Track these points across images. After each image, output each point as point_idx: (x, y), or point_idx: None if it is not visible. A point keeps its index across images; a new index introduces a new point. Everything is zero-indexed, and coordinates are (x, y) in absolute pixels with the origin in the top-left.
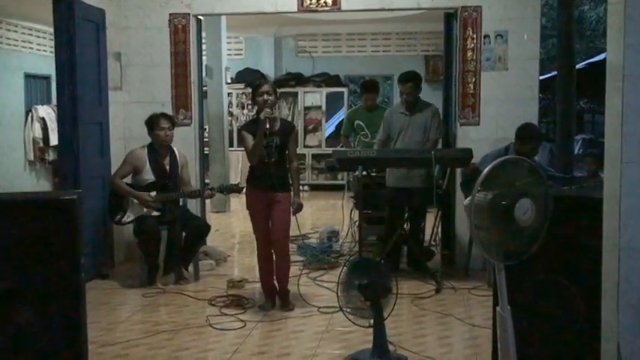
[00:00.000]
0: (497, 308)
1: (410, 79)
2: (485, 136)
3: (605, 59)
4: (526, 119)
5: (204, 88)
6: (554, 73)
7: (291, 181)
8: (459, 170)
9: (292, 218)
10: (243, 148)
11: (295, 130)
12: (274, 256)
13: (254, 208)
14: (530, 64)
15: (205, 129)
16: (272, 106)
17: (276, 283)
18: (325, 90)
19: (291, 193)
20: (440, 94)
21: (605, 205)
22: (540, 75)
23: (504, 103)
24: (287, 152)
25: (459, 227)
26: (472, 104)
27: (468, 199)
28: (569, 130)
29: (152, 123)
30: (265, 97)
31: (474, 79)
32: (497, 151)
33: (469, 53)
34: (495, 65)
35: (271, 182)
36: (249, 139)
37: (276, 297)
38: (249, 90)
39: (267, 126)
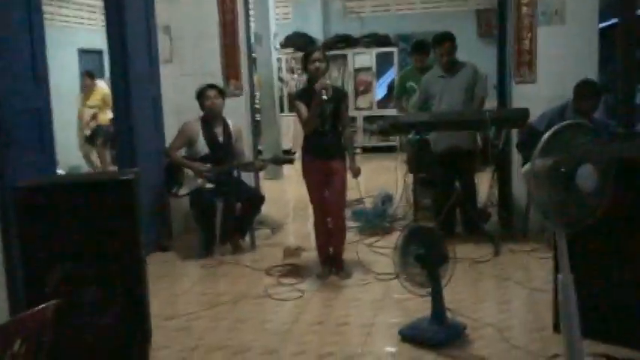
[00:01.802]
0: (559, 275)
1: (445, 40)
2: (542, 94)
3: None
4: (585, 75)
5: (253, 55)
6: (614, 20)
7: (345, 148)
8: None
9: (352, 182)
10: (294, 114)
11: (347, 96)
12: (330, 224)
13: (311, 177)
14: (589, 17)
15: (256, 96)
16: (324, 73)
17: (331, 251)
18: (375, 50)
19: (347, 160)
20: (492, 50)
21: None
22: (599, 23)
23: (562, 59)
24: (340, 119)
25: (516, 188)
26: (528, 61)
27: (527, 165)
28: (631, 79)
29: (199, 94)
30: (317, 64)
31: (529, 35)
32: (555, 109)
33: (524, 8)
34: (552, 19)
35: (327, 150)
36: (303, 109)
37: (333, 265)
38: (299, 54)
39: (325, 97)
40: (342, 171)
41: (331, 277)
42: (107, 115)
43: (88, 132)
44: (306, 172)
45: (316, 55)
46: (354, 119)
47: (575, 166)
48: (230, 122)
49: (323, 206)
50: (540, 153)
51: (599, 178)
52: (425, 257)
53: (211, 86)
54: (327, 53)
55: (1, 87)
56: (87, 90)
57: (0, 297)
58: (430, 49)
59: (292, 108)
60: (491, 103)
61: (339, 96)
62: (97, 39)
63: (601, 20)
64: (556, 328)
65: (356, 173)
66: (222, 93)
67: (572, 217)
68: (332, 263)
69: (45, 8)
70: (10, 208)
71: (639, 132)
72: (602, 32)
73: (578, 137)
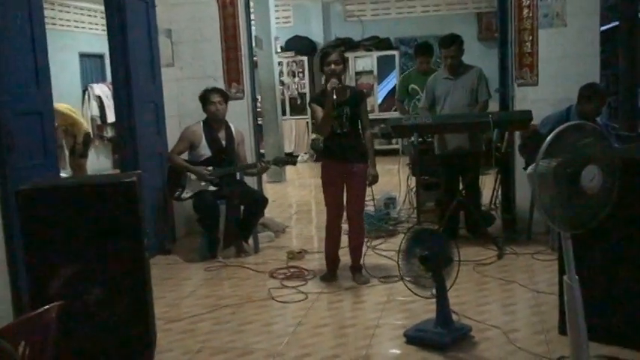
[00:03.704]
0: (565, 277)
1: (452, 43)
2: (544, 96)
3: None
4: (587, 77)
5: (255, 59)
6: (616, 23)
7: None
8: (517, 133)
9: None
10: (296, 117)
11: (365, 97)
12: (349, 229)
13: (329, 180)
14: (590, 19)
15: (258, 99)
16: (340, 75)
17: (338, 256)
18: (376, 54)
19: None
20: (494, 53)
21: None
22: (601, 26)
23: (564, 61)
24: (360, 121)
25: (519, 190)
26: (530, 64)
27: (531, 167)
28: (633, 84)
29: (204, 98)
30: (333, 66)
31: (530, 38)
32: (559, 113)
33: (525, 10)
34: (553, 22)
35: (347, 153)
36: (319, 111)
37: (338, 269)
38: (299, 58)
39: (335, 97)
40: (362, 174)
41: (339, 280)
42: (79, 128)
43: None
44: (325, 175)
45: (332, 57)
46: None
47: (580, 167)
48: (232, 126)
49: (339, 209)
50: (544, 154)
51: (604, 179)
52: (429, 259)
53: (215, 90)
54: (344, 56)
55: (3, 90)
56: None
57: (4, 299)
58: (433, 51)
59: (297, 111)
60: (494, 106)
61: (357, 97)
62: (98, 43)
63: (603, 23)
64: (561, 330)
65: (372, 181)
66: (226, 97)
67: (577, 218)
68: (337, 267)
69: (46, 12)
70: (12, 210)
71: None
72: (604, 35)
73: (582, 138)
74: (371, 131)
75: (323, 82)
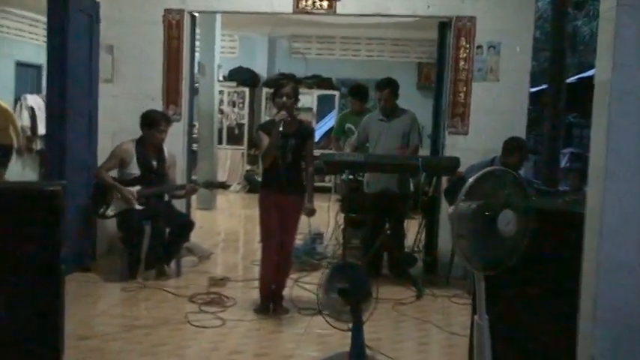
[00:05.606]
0: (475, 317)
1: (386, 86)
2: (473, 145)
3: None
4: (515, 131)
5: (196, 85)
6: (545, 86)
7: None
8: (444, 178)
9: (304, 219)
10: (234, 147)
11: (313, 134)
12: (277, 259)
13: (265, 211)
14: (521, 77)
15: (195, 126)
16: (290, 108)
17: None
18: (317, 92)
19: (305, 197)
20: (430, 102)
21: (587, 221)
22: (531, 87)
23: (494, 114)
24: (303, 155)
25: (443, 235)
26: (462, 113)
27: (452, 207)
28: (557, 143)
29: (152, 122)
30: (284, 99)
31: (464, 89)
32: (484, 162)
33: (461, 63)
34: (487, 76)
35: (284, 185)
36: (265, 140)
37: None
38: (241, 89)
39: (280, 128)
40: (297, 206)
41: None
42: (6, 133)
43: None
44: (261, 206)
45: (286, 89)
46: None
47: (498, 211)
48: (165, 148)
49: (273, 241)
50: (465, 196)
51: (519, 224)
52: (348, 292)
53: (165, 118)
54: (298, 90)
55: None
56: None
57: None
58: (365, 95)
59: (233, 141)
60: (425, 152)
61: (304, 132)
62: (37, 54)
63: (534, 85)
64: None
65: (308, 213)
66: (170, 125)
67: (490, 260)
68: (272, 299)
69: None
70: None
71: (560, 190)
72: (534, 96)
73: (502, 184)
74: (313, 168)
75: (275, 112)
